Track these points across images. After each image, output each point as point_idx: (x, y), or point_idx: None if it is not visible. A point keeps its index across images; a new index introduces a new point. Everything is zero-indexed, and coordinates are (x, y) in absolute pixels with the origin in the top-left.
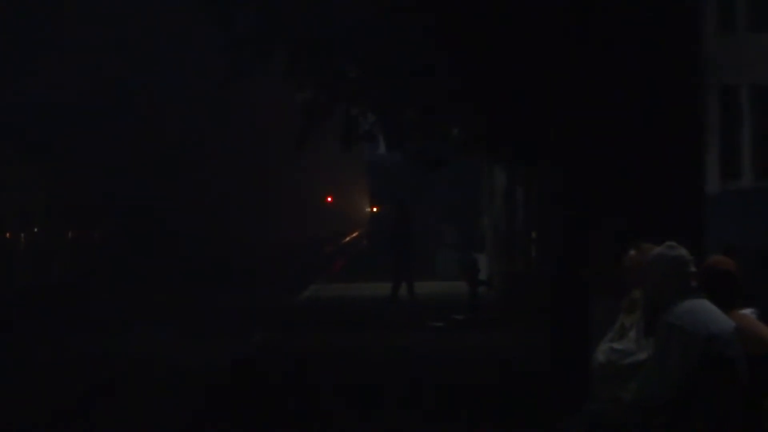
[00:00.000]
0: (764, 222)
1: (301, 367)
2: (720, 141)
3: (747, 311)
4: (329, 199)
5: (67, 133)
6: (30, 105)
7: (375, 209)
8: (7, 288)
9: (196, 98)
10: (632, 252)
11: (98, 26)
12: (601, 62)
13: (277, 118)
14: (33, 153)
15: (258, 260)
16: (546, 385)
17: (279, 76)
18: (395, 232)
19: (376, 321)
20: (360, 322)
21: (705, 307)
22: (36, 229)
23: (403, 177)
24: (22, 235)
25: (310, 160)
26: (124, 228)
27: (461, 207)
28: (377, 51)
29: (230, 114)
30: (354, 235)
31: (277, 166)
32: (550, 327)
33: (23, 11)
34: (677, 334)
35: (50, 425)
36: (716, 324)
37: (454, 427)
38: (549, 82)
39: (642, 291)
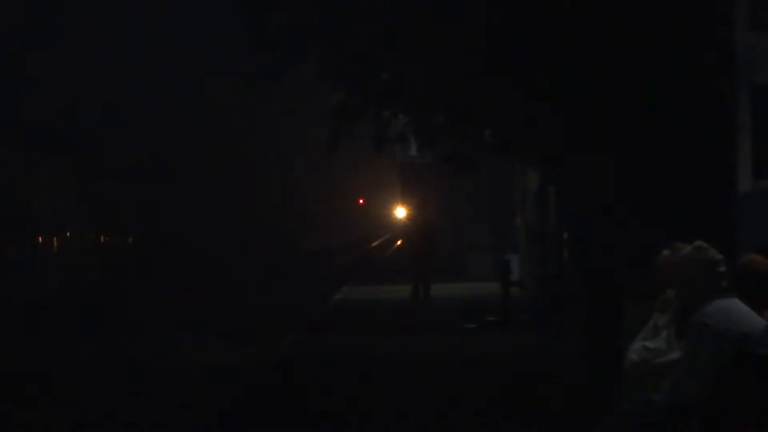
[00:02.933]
0: None
1: (334, 370)
2: (752, 140)
3: None
4: (361, 201)
5: (100, 135)
6: (63, 107)
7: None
8: (39, 292)
9: (227, 101)
10: (665, 252)
11: (132, 27)
12: (631, 63)
13: (307, 121)
14: (65, 156)
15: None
16: (578, 386)
17: (310, 77)
18: (409, 235)
19: (408, 323)
20: (392, 324)
21: (736, 306)
22: (68, 233)
23: (435, 178)
24: (55, 239)
25: (342, 162)
26: (156, 232)
27: (494, 208)
28: (409, 54)
29: (257, 117)
30: (384, 239)
31: (308, 166)
32: (583, 327)
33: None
34: (709, 334)
35: (79, 429)
36: (748, 323)
37: (486, 429)
38: (580, 85)
39: (674, 291)
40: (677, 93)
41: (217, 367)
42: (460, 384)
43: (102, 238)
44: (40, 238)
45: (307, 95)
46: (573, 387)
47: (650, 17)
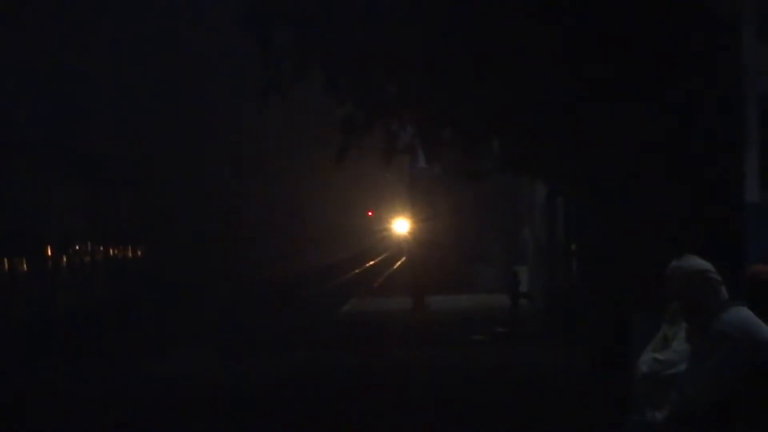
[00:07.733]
0: None
1: (345, 384)
2: (759, 150)
3: None
4: (370, 213)
5: (115, 151)
6: (79, 122)
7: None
8: (49, 308)
9: (234, 114)
10: (673, 263)
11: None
12: (637, 76)
13: (315, 135)
14: (77, 171)
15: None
16: (587, 397)
17: (318, 89)
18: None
19: (417, 335)
20: (400, 336)
21: (749, 315)
22: (77, 247)
23: (443, 190)
24: (64, 257)
25: (352, 174)
26: (166, 247)
27: (502, 219)
28: (416, 67)
29: (269, 132)
30: (390, 252)
31: (314, 180)
32: (591, 339)
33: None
34: (725, 342)
35: None
36: (763, 332)
37: None
38: (587, 100)
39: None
40: (682, 104)
41: (224, 383)
42: (467, 395)
43: (111, 253)
44: (49, 255)
45: (316, 107)
46: (579, 398)
47: (657, 29)
